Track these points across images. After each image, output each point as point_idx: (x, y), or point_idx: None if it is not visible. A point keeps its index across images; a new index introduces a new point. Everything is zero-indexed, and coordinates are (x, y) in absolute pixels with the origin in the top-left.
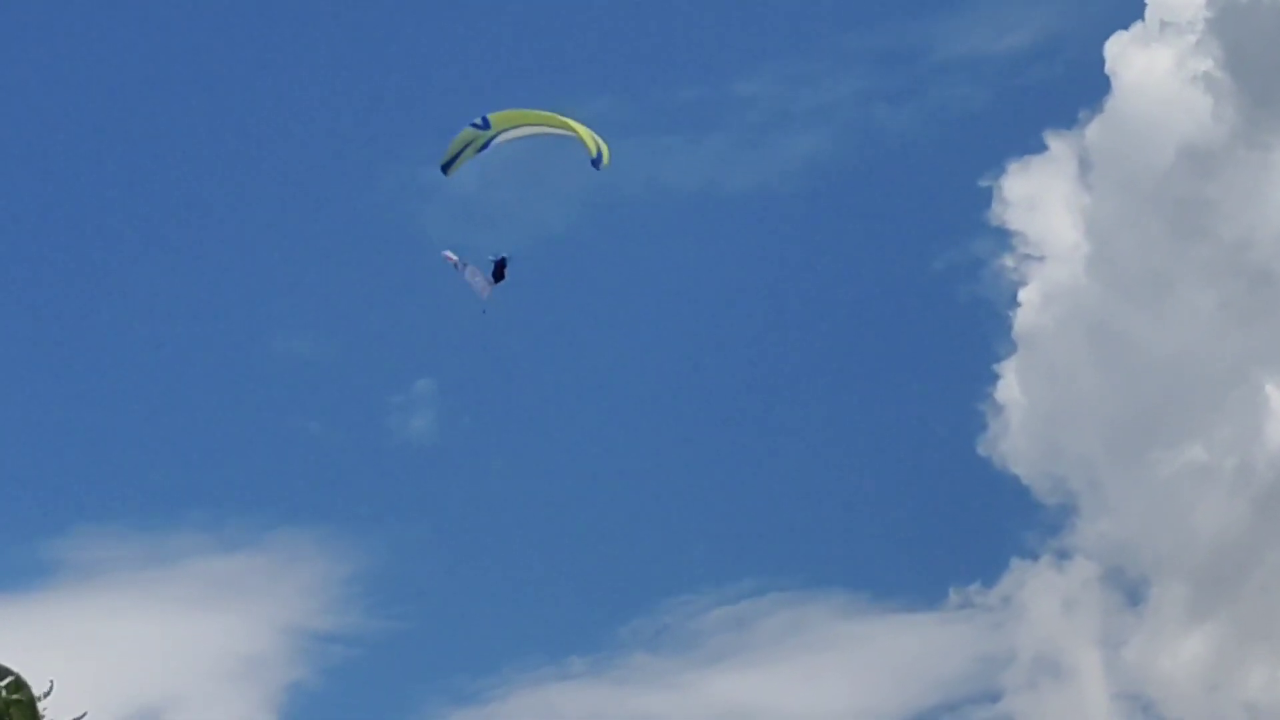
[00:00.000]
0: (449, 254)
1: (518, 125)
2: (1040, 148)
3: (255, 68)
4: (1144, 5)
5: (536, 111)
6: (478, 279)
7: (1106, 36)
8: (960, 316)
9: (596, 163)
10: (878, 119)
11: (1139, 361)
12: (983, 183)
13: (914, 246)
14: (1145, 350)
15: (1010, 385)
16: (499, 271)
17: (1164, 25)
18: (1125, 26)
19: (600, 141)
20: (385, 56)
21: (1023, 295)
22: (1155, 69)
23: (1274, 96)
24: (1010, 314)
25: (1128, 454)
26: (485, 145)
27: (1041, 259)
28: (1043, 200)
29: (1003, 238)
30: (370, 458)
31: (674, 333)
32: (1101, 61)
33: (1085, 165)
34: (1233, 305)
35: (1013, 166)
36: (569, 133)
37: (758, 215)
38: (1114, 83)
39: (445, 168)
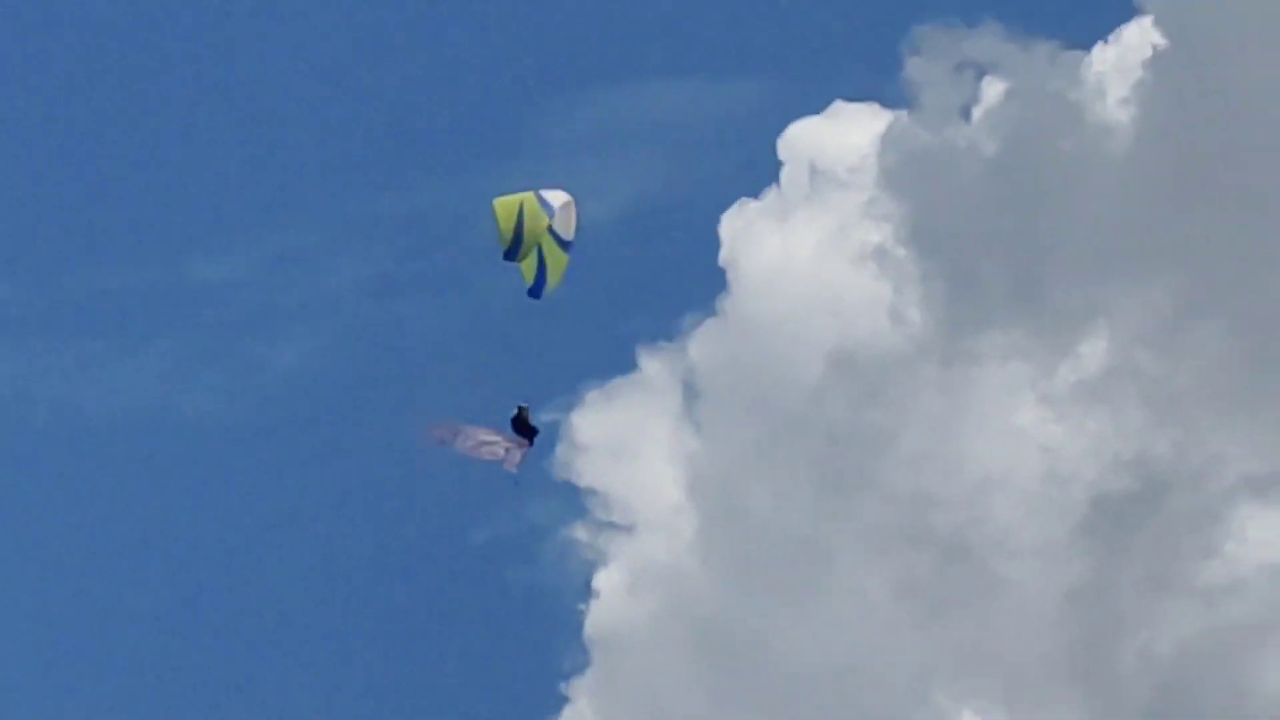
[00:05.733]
0: (437, 430)
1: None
2: (628, 366)
3: None
4: (779, 162)
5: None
6: (495, 446)
7: (724, 206)
8: (509, 612)
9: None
10: (387, 316)
11: (774, 676)
12: (545, 416)
13: (444, 512)
14: (783, 660)
15: (581, 713)
16: (525, 425)
17: (814, 175)
18: (754, 193)
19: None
20: None
21: (601, 582)
22: (795, 248)
23: (977, 280)
24: (581, 609)
25: None
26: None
27: (629, 529)
28: (630, 444)
29: (572, 498)
30: None
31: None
32: (716, 242)
33: (692, 392)
34: (911, 593)
35: (589, 395)
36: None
37: (216, 449)
38: (733, 272)
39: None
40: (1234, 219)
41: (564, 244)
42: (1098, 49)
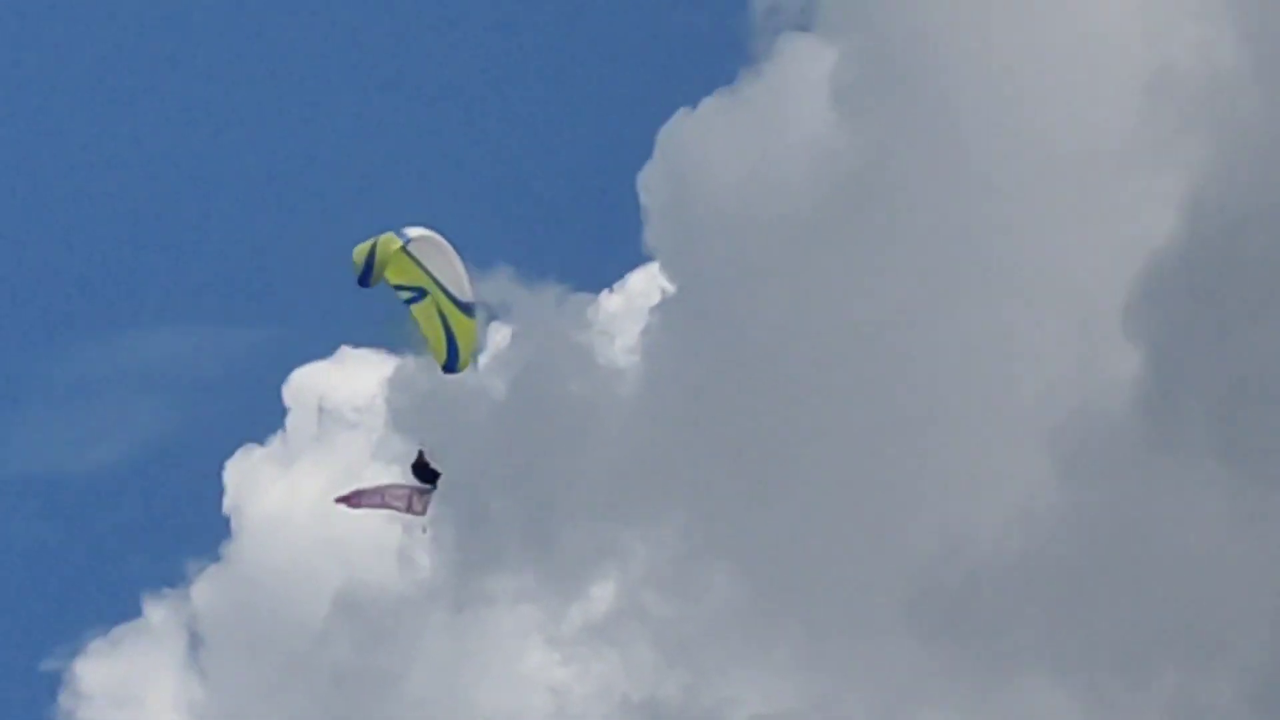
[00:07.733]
0: (350, 499)
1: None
2: (132, 613)
3: None
4: (285, 408)
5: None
6: (400, 497)
7: (229, 453)
8: None
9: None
10: None
11: None
12: (47, 665)
13: None
14: None
15: None
16: (425, 468)
17: (322, 418)
18: (259, 439)
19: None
20: None
21: None
22: (301, 493)
23: (487, 522)
24: None
25: None
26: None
27: None
28: (135, 692)
29: None
30: None
31: None
32: (220, 489)
33: (196, 639)
34: None
35: (93, 643)
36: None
37: None
38: (237, 519)
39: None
40: (740, 462)
41: (465, 308)
42: (605, 294)
